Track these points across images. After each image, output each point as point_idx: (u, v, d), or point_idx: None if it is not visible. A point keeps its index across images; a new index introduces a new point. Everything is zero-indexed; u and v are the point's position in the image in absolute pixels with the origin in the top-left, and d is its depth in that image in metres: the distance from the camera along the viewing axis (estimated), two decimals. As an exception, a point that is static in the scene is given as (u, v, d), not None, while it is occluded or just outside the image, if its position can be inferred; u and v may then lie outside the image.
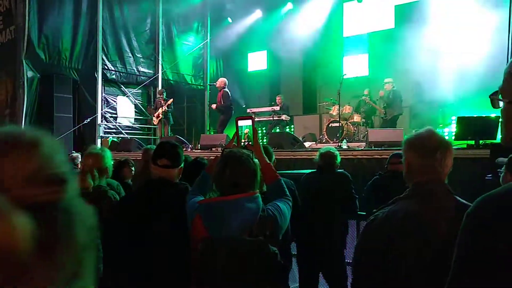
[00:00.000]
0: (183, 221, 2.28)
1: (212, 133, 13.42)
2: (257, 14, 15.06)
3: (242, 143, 2.53)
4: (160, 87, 13.56)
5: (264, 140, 11.43)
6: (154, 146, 3.31)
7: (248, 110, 12.15)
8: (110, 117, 12.78)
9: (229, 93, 11.39)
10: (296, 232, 4.13)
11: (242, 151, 2.25)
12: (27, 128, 0.76)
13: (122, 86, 13.21)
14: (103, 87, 12.54)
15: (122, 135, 12.70)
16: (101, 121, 12.31)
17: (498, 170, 3.16)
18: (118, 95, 13.11)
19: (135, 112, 13.62)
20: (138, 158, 6.49)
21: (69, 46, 11.77)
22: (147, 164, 2.84)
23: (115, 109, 12.95)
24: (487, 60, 9.97)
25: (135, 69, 13.48)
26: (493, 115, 7.04)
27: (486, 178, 4.55)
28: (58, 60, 11.57)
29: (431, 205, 1.78)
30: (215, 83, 11.65)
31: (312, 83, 14.41)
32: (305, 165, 6.83)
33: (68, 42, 11.75)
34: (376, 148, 7.76)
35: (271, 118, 11.69)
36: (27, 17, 10.77)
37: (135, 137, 12.33)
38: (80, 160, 7.03)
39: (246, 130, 2.13)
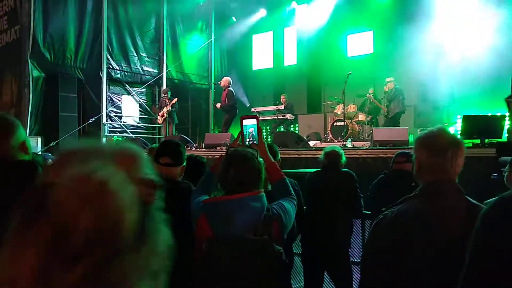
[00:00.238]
0: (186, 219, 2.28)
1: (216, 132, 13.42)
2: (262, 13, 15.05)
3: (247, 142, 2.52)
4: (164, 86, 13.56)
5: (269, 139, 11.43)
6: (159, 145, 3.31)
7: (252, 109, 12.15)
8: (115, 116, 12.81)
9: (234, 92, 11.40)
10: (301, 231, 4.14)
11: (247, 150, 2.24)
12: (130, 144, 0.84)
13: (126, 85, 13.23)
14: (108, 86, 12.57)
15: (127, 134, 12.73)
16: (106, 120, 12.34)
17: (502, 169, 3.14)
18: (122, 94, 13.14)
19: (140, 111, 13.64)
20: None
21: (74, 45, 11.79)
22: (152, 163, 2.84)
23: (120, 108, 12.98)
24: (492, 58, 9.93)
25: (139, 68, 13.49)
26: (498, 114, 7.01)
27: (492, 177, 4.53)
28: (63, 60, 11.60)
29: (441, 205, 1.75)
30: (219, 82, 11.66)
31: (317, 82, 14.38)
32: (309, 164, 6.84)
33: (73, 41, 11.77)
34: (381, 147, 7.75)
35: (276, 117, 11.69)
36: (32, 17, 10.79)
37: (140, 136, 12.36)
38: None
39: (251, 129, 2.13)
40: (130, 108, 13.35)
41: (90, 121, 11.63)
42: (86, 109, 12.12)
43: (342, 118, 10.15)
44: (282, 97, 12.14)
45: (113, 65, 12.72)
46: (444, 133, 1.85)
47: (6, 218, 0.65)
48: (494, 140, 6.28)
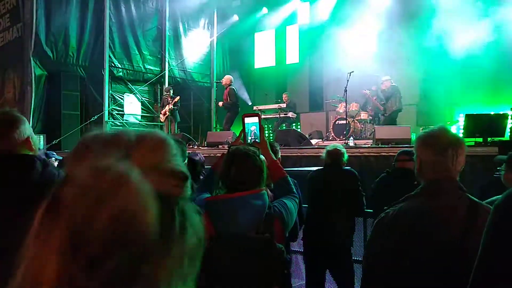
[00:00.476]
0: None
1: (218, 130, 13.42)
2: (264, 11, 15.05)
3: (249, 140, 2.52)
4: (167, 85, 13.57)
5: (271, 137, 11.43)
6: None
7: (254, 108, 12.15)
8: (117, 114, 12.82)
9: (235, 90, 11.40)
10: (303, 230, 4.14)
11: (249, 148, 2.23)
12: (157, 130, 0.77)
13: (129, 83, 13.24)
14: (110, 84, 12.58)
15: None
16: (108, 119, 12.35)
17: (498, 168, 3.13)
18: (125, 92, 13.15)
19: (142, 109, 13.66)
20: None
21: (76, 43, 11.81)
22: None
23: (122, 106, 12.99)
24: (494, 56, 9.91)
25: (142, 66, 13.50)
26: (501, 113, 7.00)
27: (494, 175, 4.53)
28: (66, 58, 11.62)
29: (442, 203, 1.76)
30: (221, 81, 11.66)
31: (319, 80, 14.36)
32: (311, 163, 6.83)
33: (75, 39, 11.78)
34: (383, 146, 7.73)
35: (278, 116, 11.68)
36: (34, 15, 10.81)
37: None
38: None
39: (253, 127, 2.12)
40: (132, 107, 13.36)
41: (92, 119, 11.65)
42: (88, 107, 12.15)
43: (344, 117, 10.13)
44: (284, 96, 12.14)
45: (115, 63, 12.73)
46: (444, 132, 1.86)
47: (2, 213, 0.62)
48: (497, 139, 6.27)
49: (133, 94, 13.32)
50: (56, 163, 4.69)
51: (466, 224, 1.65)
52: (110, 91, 12.61)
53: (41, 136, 10.49)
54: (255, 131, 2.53)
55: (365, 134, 10.68)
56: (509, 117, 6.81)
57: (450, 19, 11.11)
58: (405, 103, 11.11)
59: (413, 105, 11.46)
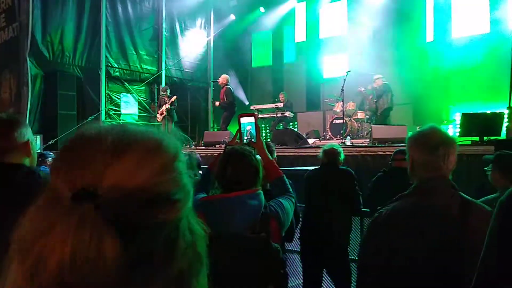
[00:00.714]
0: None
1: (215, 130, 13.41)
2: (261, 10, 15.03)
3: (245, 140, 2.52)
4: (163, 84, 13.55)
5: (268, 137, 11.42)
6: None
7: (251, 107, 12.15)
8: (114, 114, 12.79)
9: (232, 89, 11.39)
10: (300, 229, 4.14)
11: (244, 148, 2.23)
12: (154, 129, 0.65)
13: (125, 83, 13.21)
14: (106, 84, 12.55)
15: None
16: (105, 118, 12.31)
17: (485, 168, 3.13)
18: (121, 92, 13.12)
19: (139, 109, 13.62)
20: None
21: (72, 43, 11.77)
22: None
23: (118, 106, 12.96)
24: (490, 55, 9.94)
25: (138, 66, 13.47)
26: (497, 111, 7.01)
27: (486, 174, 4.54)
28: (62, 58, 11.58)
29: (435, 201, 1.77)
30: (217, 80, 11.66)
31: (316, 80, 14.37)
32: (308, 162, 6.84)
33: (71, 39, 11.75)
34: (380, 145, 7.75)
35: (275, 115, 11.68)
36: (30, 14, 10.77)
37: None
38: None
39: (249, 127, 2.12)
40: (129, 106, 13.34)
41: (89, 119, 11.60)
42: (85, 107, 12.10)
43: (341, 116, 10.15)
44: (281, 95, 12.15)
45: (112, 63, 12.70)
46: (435, 131, 1.88)
47: None
48: (493, 138, 6.27)
49: (130, 93, 13.29)
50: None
51: (459, 223, 1.66)
52: (107, 91, 12.58)
53: (38, 136, 10.44)
54: (251, 130, 2.53)
55: (362, 133, 10.70)
56: (506, 116, 6.82)
57: (446, 18, 11.16)
58: (402, 102, 11.14)
59: (410, 104, 11.48)
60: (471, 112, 7.71)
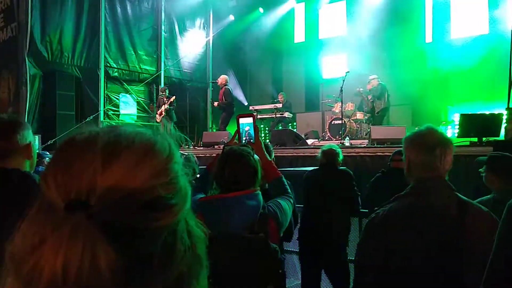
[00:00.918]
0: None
1: (214, 130, 13.40)
2: (259, 11, 15.03)
3: (243, 141, 2.52)
4: (162, 85, 13.54)
5: (267, 137, 11.42)
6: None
7: (250, 108, 12.14)
8: (113, 114, 12.78)
9: (231, 90, 11.39)
10: (298, 229, 4.14)
11: (243, 148, 2.23)
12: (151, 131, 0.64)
13: (124, 83, 13.19)
14: (105, 84, 12.54)
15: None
16: (104, 119, 12.31)
17: (479, 170, 3.12)
18: (120, 92, 13.11)
19: (138, 109, 13.61)
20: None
21: (71, 43, 11.75)
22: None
23: (117, 106, 12.95)
24: (489, 56, 9.95)
25: (137, 66, 13.45)
26: (496, 112, 7.01)
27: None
28: (61, 58, 11.57)
29: (431, 202, 1.78)
30: (216, 81, 11.65)
31: (315, 80, 14.37)
32: (307, 163, 6.84)
33: (70, 39, 11.73)
34: (379, 146, 7.75)
35: (274, 116, 11.68)
36: (29, 14, 10.76)
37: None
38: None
39: (247, 128, 2.12)
40: (128, 107, 13.32)
41: (87, 119, 11.59)
42: (83, 108, 12.09)
43: (340, 117, 10.15)
44: (280, 96, 12.14)
45: (111, 63, 12.69)
46: (432, 132, 1.88)
47: None
48: (492, 139, 6.27)
49: (129, 94, 13.28)
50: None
51: (456, 223, 1.66)
52: (106, 91, 12.57)
53: (37, 137, 10.44)
54: (250, 131, 2.53)
55: (360, 134, 10.70)
56: (504, 117, 6.82)
57: (445, 18, 11.17)
58: (400, 102, 11.15)
59: (408, 105, 11.48)
60: (470, 113, 7.71)
